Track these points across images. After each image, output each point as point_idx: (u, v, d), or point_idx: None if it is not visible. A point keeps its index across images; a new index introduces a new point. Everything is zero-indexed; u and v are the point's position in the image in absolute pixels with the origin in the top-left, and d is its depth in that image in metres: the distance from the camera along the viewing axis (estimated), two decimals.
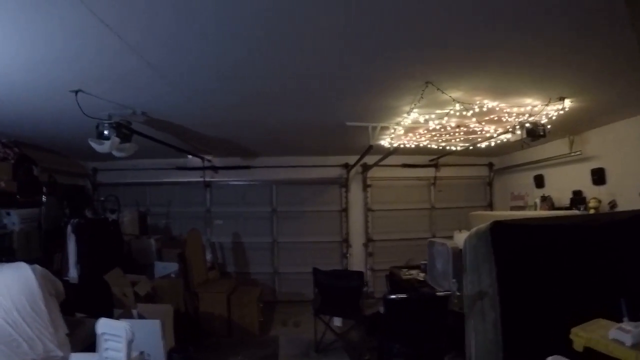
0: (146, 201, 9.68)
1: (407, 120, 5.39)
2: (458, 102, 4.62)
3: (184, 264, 7.53)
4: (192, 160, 9.03)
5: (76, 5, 2.64)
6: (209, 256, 8.67)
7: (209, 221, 9.67)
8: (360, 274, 6.35)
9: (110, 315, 4.93)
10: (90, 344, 3.92)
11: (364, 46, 3.47)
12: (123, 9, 2.77)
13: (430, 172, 9.54)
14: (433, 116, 5.21)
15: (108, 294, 5.87)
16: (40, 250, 6.55)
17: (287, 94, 4.86)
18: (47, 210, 6.99)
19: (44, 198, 7.01)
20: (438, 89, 4.33)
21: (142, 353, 4.09)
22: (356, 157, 8.27)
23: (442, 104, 4.87)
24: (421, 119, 5.29)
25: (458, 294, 4.54)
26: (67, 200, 7.81)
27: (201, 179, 9.48)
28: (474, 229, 3.67)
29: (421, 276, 6.39)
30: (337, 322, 6.67)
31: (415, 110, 4.99)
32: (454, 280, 4.87)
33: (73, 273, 6.24)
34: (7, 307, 4.14)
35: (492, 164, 9.69)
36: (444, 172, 9.54)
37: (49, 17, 2.83)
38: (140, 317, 5.37)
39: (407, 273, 6.72)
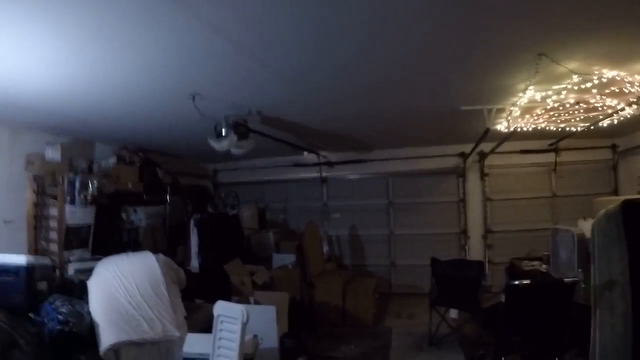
0: (264, 198, 10.01)
1: (523, 99, 5.00)
2: (575, 73, 4.21)
3: (301, 255, 7.69)
4: (307, 156, 9.17)
5: (190, 17, 2.84)
6: (326, 248, 8.77)
7: (326, 215, 9.75)
8: (479, 264, 6.05)
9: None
10: (207, 327, 4.06)
11: (471, 22, 3.29)
12: (240, 18, 2.96)
13: (549, 157, 8.73)
14: (550, 92, 4.80)
15: (227, 282, 6.14)
16: (165, 244, 7.02)
17: (398, 84, 4.77)
18: (171, 208, 7.52)
19: (168, 197, 7.56)
20: (552, 60, 3.96)
21: (255, 336, 4.22)
22: (472, 145, 7.86)
23: (558, 78, 4.47)
24: (537, 97, 4.90)
25: (583, 286, 4.15)
26: (190, 199, 8.32)
27: (317, 175, 9.58)
28: (602, 211, 3.28)
29: (544, 267, 5.94)
30: (453, 314, 6.40)
31: (530, 87, 4.62)
32: (579, 269, 4.45)
33: (195, 263, 6.62)
34: (132, 290, 4.48)
35: (615, 146, 8.64)
36: (565, 156, 8.69)
37: (165, 28, 3.04)
38: (257, 303, 5.54)
39: (528, 264, 6.28)
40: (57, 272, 5.32)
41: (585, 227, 5.16)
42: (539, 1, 3.02)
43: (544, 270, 5.83)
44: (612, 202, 3.32)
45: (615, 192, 8.53)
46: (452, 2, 2.98)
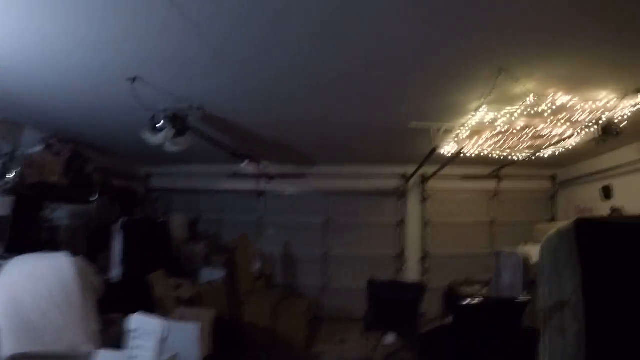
0: (198, 207, 9.55)
1: (474, 120, 4.95)
2: (531, 93, 4.20)
3: (232, 269, 7.29)
4: (246, 167, 8.68)
5: None
6: (258, 265, 8.37)
7: (260, 230, 9.44)
8: (419, 286, 5.86)
9: None
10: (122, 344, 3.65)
11: (435, 28, 3.23)
12: None
13: (490, 184, 8.95)
14: (501, 114, 4.77)
15: (149, 295, 5.64)
16: (86, 247, 6.42)
17: (351, 88, 4.61)
18: (97, 209, 6.93)
19: (95, 196, 6.95)
20: (511, 77, 3.95)
21: (175, 356, 3.78)
22: (415, 167, 7.88)
23: (512, 100, 4.48)
24: (488, 119, 4.84)
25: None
26: (119, 201, 7.76)
27: (255, 187, 9.29)
28: (553, 230, 3.17)
29: (484, 291, 5.85)
30: (389, 339, 6.17)
31: (483, 106, 4.56)
32: (524, 292, 4.34)
33: (116, 271, 6.07)
34: (39, 294, 3.92)
35: (555, 176, 8.98)
36: (505, 184, 8.92)
37: None
38: (181, 320, 5.09)
39: (467, 289, 6.19)
40: None
41: (529, 251, 5.12)
42: (501, 14, 2.99)
43: (484, 295, 5.74)
44: (551, 229, 3.25)
45: (553, 221, 8.74)
46: (411, 9, 2.92)
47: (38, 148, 6.09)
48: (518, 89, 4.13)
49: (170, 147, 5.21)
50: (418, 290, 5.79)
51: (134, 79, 4.31)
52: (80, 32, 3.41)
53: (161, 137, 4.96)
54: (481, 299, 4.58)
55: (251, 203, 9.51)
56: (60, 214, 6.25)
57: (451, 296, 6.38)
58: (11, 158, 5.51)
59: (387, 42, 3.48)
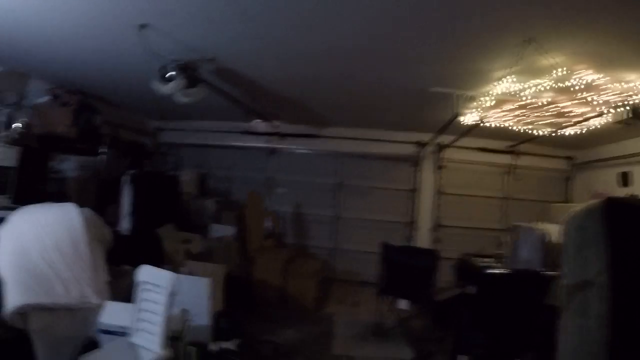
0: (208, 163, 9.43)
1: (498, 89, 4.72)
2: (558, 67, 3.97)
3: (242, 226, 7.20)
4: (258, 125, 8.66)
5: None
6: (268, 224, 8.29)
7: (270, 188, 9.29)
8: (434, 253, 5.72)
9: None
10: (131, 297, 3.57)
11: None
12: None
13: (507, 159, 8.69)
14: (526, 86, 4.51)
15: (159, 248, 5.59)
16: (94, 199, 6.35)
17: (374, 46, 4.34)
18: (106, 161, 6.84)
19: (104, 149, 6.87)
20: (540, 48, 3.73)
21: (185, 311, 3.71)
22: (430, 135, 7.70)
23: (539, 72, 4.23)
24: (513, 88, 4.60)
25: None
26: (128, 154, 7.68)
27: (266, 145, 9.12)
28: (581, 207, 3.04)
29: (499, 265, 5.72)
30: (402, 305, 6.08)
31: (509, 76, 4.33)
32: (543, 269, 4.20)
33: (125, 224, 6.00)
34: (47, 244, 3.82)
35: (572, 158, 8.69)
36: (522, 161, 8.67)
37: None
38: (190, 274, 5.02)
39: (482, 261, 6.06)
40: None
41: (548, 228, 4.98)
42: None
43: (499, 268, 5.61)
44: (569, 209, 3.14)
45: (567, 202, 8.53)
46: None
47: (45, 98, 5.97)
48: (546, 61, 3.91)
49: (181, 98, 5.05)
50: (433, 257, 5.64)
51: (143, 26, 4.09)
52: None
53: (171, 87, 4.79)
54: (506, 270, 4.40)
55: (262, 161, 9.35)
56: (68, 165, 6.19)
57: (463, 268, 6.25)
58: (17, 108, 5.39)
59: (415, 5, 3.29)
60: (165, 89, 4.82)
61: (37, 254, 3.74)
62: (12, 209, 4.58)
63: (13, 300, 3.46)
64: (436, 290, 5.64)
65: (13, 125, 5.19)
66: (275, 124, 8.65)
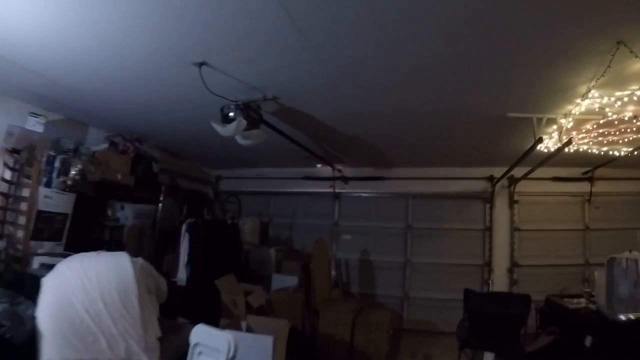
0: (269, 211, 9.14)
1: (582, 106, 4.16)
2: None
3: (307, 277, 6.74)
4: (321, 169, 8.40)
5: None
6: (333, 272, 7.78)
7: (335, 235, 8.81)
8: (525, 298, 5.00)
9: (216, 324, 4.17)
10: (185, 354, 3.15)
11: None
12: None
13: (583, 186, 7.87)
14: (612, 100, 3.95)
15: (217, 301, 5.19)
16: (152, 248, 6.14)
17: (441, 72, 3.94)
18: (163, 209, 6.70)
19: (162, 197, 6.75)
20: (631, 51, 3.23)
21: None
22: (502, 169, 7.01)
23: (629, 80, 3.73)
24: (598, 104, 4.03)
25: None
26: (187, 203, 7.46)
27: (330, 190, 8.68)
28: None
29: (592, 307, 4.98)
30: (488, 358, 5.34)
31: (593, 91, 3.83)
32: None
33: (182, 275, 5.71)
34: (93, 296, 3.46)
35: None
36: (600, 187, 7.82)
37: None
38: (249, 330, 4.56)
39: (573, 302, 5.31)
40: (19, 264, 4.53)
41: None
42: None
43: (594, 309, 4.86)
44: None
45: None
46: None
47: (102, 146, 5.91)
48: (634, 68, 3.42)
49: (243, 141, 4.73)
50: (523, 302, 4.92)
51: (200, 64, 3.87)
52: (142, 16, 3.11)
53: (232, 129, 4.47)
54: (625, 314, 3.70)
55: (326, 207, 8.94)
56: (125, 213, 6.02)
57: (551, 312, 5.48)
58: (74, 155, 5.30)
59: (485, 17, 2.91)
60: (225, 130, 4.52)
61: (81, 305, 3.39)
62: (64, 255, 4.36)
63: (50, 354, 3.11)
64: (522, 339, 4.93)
65: (69, 172, 5.04)
66: (338, 167, 8.30)
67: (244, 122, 4.45)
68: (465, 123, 5.43)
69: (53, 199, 4.92)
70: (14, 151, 4.81)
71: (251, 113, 4.59)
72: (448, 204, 8.36)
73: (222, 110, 4.54)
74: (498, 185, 7.96)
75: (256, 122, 4.70)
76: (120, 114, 5.62)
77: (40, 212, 4.79)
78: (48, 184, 4.90)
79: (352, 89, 4.43)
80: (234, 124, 4.42)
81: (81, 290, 3.48)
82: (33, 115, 5.05)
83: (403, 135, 6.18)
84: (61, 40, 3.56)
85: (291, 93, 4.57)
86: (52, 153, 4.96)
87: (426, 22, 3.04)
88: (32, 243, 4.71)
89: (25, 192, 4.80)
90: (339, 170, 8.40)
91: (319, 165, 8.13)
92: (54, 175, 4.94)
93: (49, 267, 4.12)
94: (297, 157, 7.02)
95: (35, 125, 5.03)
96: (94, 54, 3.79)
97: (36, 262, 4.49)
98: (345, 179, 8.60)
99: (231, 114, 4.49)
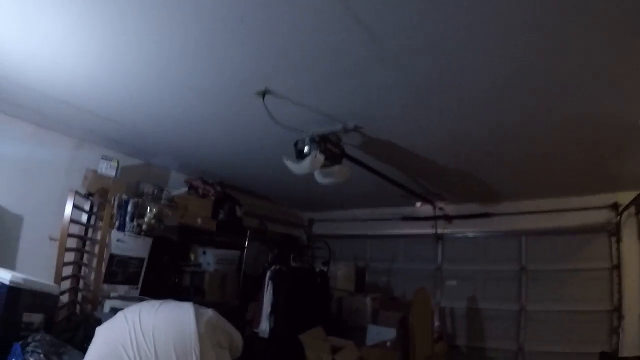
0: (365, 255, 8.54)
1: None
2: None
3: (406, 330, 6.02)
4: (420, 209, 7.70)
5: None
6: (436, 323, 6.98)
7: (439, 281, 7.98)
8: None
9: None
10: None
11: None
12: None
13: None
14: None
15: (301, 357, 4.65)
16: (235, 296, 5.86)
17: (559, 75, 3.15)
18: (249, 254, 6.37)
19: (247, 242, 6.47)
20: None
21: None
22: (630, 194, 6.02)
23: None
24: None
25: None
26: (277, 247, 7.14)
27: (431, 231, 7.90)
28: None
29: None
30: None
31: None
32: None
33: (264, 326, 5.29)
34: (145, 351, 3.06)
35: None
36: None
37: None
38: None
39: None
40: (89, 307, 4.53)
41: None
42: None
43: None
44: None
45: None
46: None
47: (182, 190, 5.78)
48: None
49: (322, 179, 4.24)
50: None
51: (264, 94, 3.48)
52: (200, 49, 2.94)
53: (306, 166, 3.98)
54: None
55: (427, 250, 8.13)
56: (207, 258, 5.80)
57: None
58: (153, 198, 5.22)
59: None
60: (299, 168, 4.06)
61: (130, 358, 2.99)
62: (139, 299, 4.38)
63: None
64: None
65: (144, 217, 4.94)
66: (439, 205, 7.54)
67: (320, 158, 3.94)
68: (583, 137, 4.48)
69: (127, 243, 4.84)
70: (89, 194, 4.86)
71: (329, 146, 4.07)
72: (566, 240, 7.18)
73: (295, 145, 4.09)
74: (625, 213, 6.65)
75: (337, 157, 4.18)
76: (197, 157, 5.52)
77: (113, 256, 4.71)
78: (121, 228, 4.81)
79: (445, 109, 3.78)
80: (307, 159, 3.94)
81: (134, 344, 3.10)
82: (105, 159, 5.02)
83: (510, 161, 5.31)
84: (132, 86, 3.59)
85: (375, 121, 4.03)
86: (125, 197, 4.87)
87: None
88: (105, 286, 4.65)
89: (99, 235, 4.80)
90: (441, 209, 7.63)
91: (417, 204, 7.47)
92: (127, 218, 4.84)
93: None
94: (392, 195, 6.46)
95: (108, 168, 5.00)
96: (165, 97, 3.76)
97: (107, 305, 4.38)
98: (448, 218, 7.79)
99: (305, 148, 4.00)
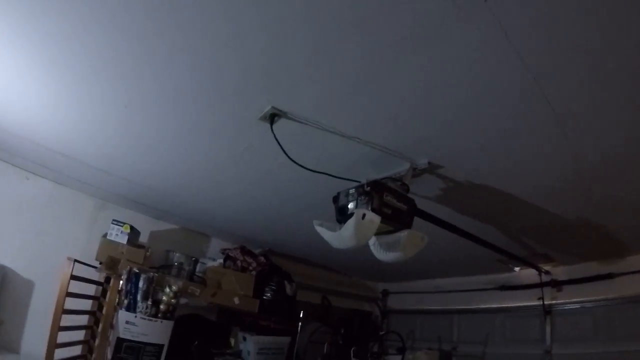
0: (452, 336, 7.10)
1: None
2: None
3: None
4: (520, 274, 6.31)
5: None
6: None
7: None
8: None
9: None
10: None
11: None
12: None
13: None
14: None
15: None
16: None
17: None
18: (300, 339, 5.26)
19: (300, 324, 5.35)
20: None
21: None
22: None
23: None
24: None
25: None
26: (344, 326, 6.09)
27: (536, 303, 6.22)
28: None
29: None
30: None
31: None
32: None
33: None
34: None
35: None
36: None
37: None
38: None
39: None
40: None
41: None
42: None
43: None
44: None
45: None
46: None
47: (217, 261, 4.84)
48: None
49: (382, 254, 2.74)
50: None
51: (272, 117, 2.50)
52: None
53: (348, 233, 2.43)
54: None
55: (532, 327, 6.52)
56: (247, 346, 4.70)
57: None
58: (179, 272, 4.33)
59: None
60: (336, 238, 2.58)
61: None
62: None
63: None
64: None
65: (161, 295, 3.94)
66: (545, 269, 5.99)
67: (374, 219, 2.42)
68: None
69: (138, 326, 3.84)
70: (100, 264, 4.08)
71: (389, 199, 2.57)
72: None
73: (335, 200, 2.69)
74: None
75: (403, 217, 2.64)
76: (232, 222, 4.71)
77: (121, 340, 3.76)
78: (131, 308, 3.82)
79: (539, 139, 2.49)
80: (350, 223, 2.42)
81: None
82: (116, 223, 4.18)
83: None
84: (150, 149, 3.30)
85: (461, 154, 2.72)
86: (135, 270, 3.88)
87: None
88: None
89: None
90: (547, 272, 6.05)
91: (517, 269, 6.11)
92: (139, 297, 3.83)
93: None
94: (485, 261, 5.22)
95: (119, 235, 4.16)
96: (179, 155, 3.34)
97: None
98: (557, 284, 6.16)
99: (350, 205, 2.56)
